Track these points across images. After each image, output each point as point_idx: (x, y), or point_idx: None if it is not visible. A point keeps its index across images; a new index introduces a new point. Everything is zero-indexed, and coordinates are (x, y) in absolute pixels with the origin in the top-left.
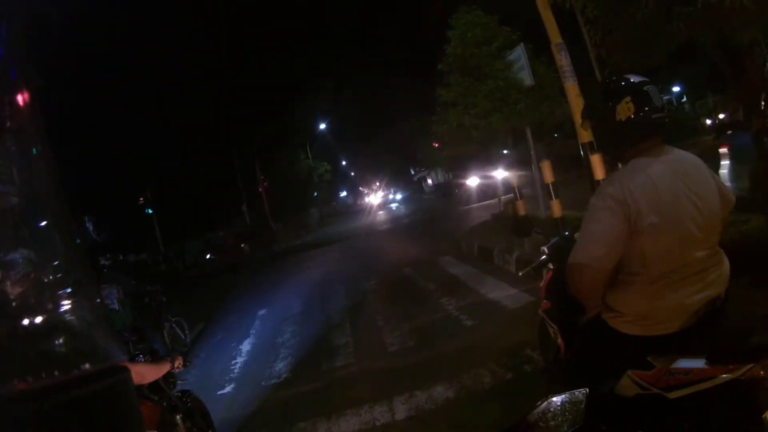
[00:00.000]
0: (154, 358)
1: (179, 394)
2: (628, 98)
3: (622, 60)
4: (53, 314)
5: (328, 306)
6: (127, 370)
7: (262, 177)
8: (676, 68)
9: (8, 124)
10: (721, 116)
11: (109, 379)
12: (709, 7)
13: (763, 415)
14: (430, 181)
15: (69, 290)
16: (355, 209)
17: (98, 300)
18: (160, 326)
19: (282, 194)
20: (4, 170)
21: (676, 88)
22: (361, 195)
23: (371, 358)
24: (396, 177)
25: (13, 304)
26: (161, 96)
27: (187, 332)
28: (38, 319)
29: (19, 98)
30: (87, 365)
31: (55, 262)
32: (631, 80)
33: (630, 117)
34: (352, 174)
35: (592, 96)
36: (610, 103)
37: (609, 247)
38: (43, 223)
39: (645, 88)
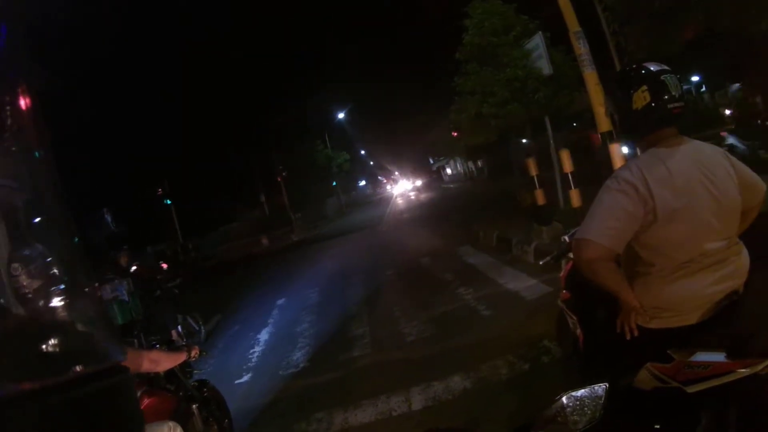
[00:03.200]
0: (171, 348)
1: (196, 383)
2: (644, 87)
3: (638, 48)
4: (54, 314)
5: (345, 296)
6: (127, 370)
7: (281, 167)
8: (695, 57)
9: (9, 123)
10: None
11: (109, 379)
12: None
13: None
14: (449, 170)
15: (70, 290)
16: (374, 199)
17: (98, 299)
18: (173, 318)
19: (300, 184)
20: (11, 168)
21: (695, 78)
22: (380, 184)
23: (388, 349)
24: (415, 166)
25: (25, 296)
26: (180, 87)
27: (200, 323)
28: (39, 319)
29: (21, 97)
30: (87, 365)
31: (54, 261)
32: (650, 69)
33: (645, 106)
34: (371, 163)
35: (611, 83)
36: (628, 91)
37: (616, 227)
38: (44, 223)
39: (662, 78)
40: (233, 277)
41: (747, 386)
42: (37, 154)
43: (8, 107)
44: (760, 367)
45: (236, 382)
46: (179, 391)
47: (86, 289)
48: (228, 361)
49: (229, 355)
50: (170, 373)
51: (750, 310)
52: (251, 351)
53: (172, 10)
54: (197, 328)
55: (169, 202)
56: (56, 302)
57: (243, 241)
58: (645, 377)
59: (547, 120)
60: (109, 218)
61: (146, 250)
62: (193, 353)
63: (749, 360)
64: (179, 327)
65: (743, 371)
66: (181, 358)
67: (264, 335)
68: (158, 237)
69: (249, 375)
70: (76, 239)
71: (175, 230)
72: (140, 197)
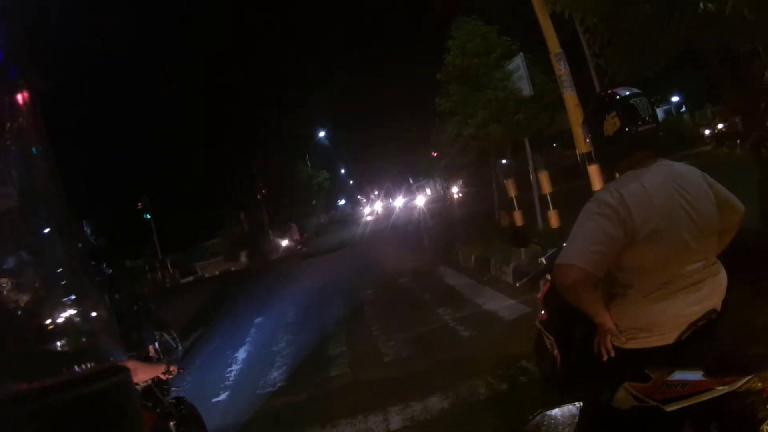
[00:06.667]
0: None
1: (173, 400)
2: (614, 113)
3: (620, 69)
4: (55, 315)
5: (324, 315)
6: (127, 370)
7: (261, 184)
8: (675, 78)
9: (8, 125)
10: (720, 126)
11: (109, 379)
12: (708, 17)
13: (760, 428)
14: (428, 191)
15: (73, 297)
16: (354, 218)
17: (98, 300)
18: (151, 333)
19: (280, 202)
20: (3, 172)
21: (675, 98)
22: (359, 203)
23: (366, 368)
24: (395, 186)
25: (19, 312)
26: (160, 101)
27: (177, 340)
28: (40, 319)
29: (19, 98)
30: (87, 365)
31: (59, 270)
32: (619, 94)
33: (617, 131)
34: (351, 182)
35: (586, 110)
36: (599, 119)
37: (598, 251)
38: (45, 228)
39: (632, 102)
40: (211, 294)
41: (725, 404)
42: (34, 150)
43: (7, 106)
44: (738, 384)
45: (213, 400)
46: (156, 408)
47: (87, 291)
48: (205, 379)
49: (207, 373)
50: (147, 390)
51: (728, 328)
52: (229, 369)
53: (150, 26)
54: (174, 345)
55: (148, 216)
56: (57, 303)
57: (222, 257)
58: (623, 396)
59: (526, 141)
60: (88, 231)
61: (125, 264)
62: (171, 369)
63: (727, 378)
64: (156, 343)
65: (721, 389)
66: (160, 369)
67: (242, 353)
68: (137, 252)
69: (226, 393)
70: (80, 245)
71: (154, 245)
72: (119, 211)
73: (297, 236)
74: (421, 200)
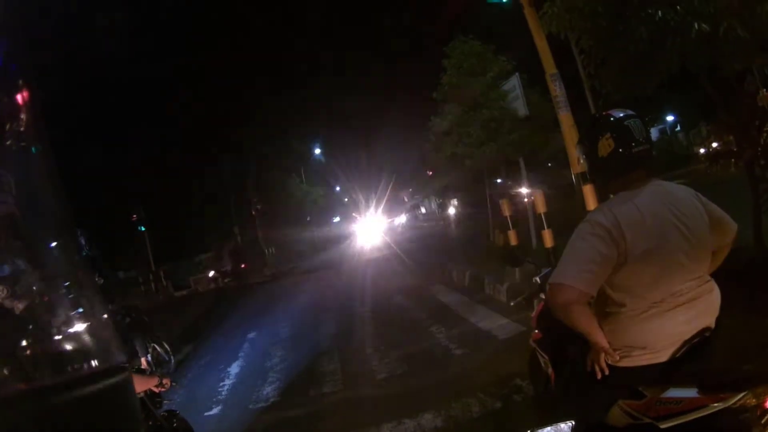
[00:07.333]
0: (142, 374)
1: (165, 414)
2: (608, 135)
3: (615, 91)
4: (54, 314)
5: (317, 331)
6: (127, 370)
7: (255, 200)
8: (670, 97)
9: (8, 126)
10: (714, 144)
11: (109, 379)
12: (702, 37)
13: None
14: (423, 209)
15: (71, 289)
16: (349, 235)
17: (98, 299)
18: (144, 345)
19: (274, 218)
20: (1, 177)
21: (670, 117)
22: (355, 221)
23: (359, 385)
24: (389, 204)
25: (17, 317)
26: (155, 113)
27: (170, 353)
28: (39, 319)
29: (19, 98)
30: (87, 365)
31: (61, 273)
32: (614, 116)
33: (611, 152)
34: (346, 200)
35: (581, 131)
36: (593, 140)
37: (591, 270)
38: (46, 232)
39: (626, 123)
40: (204, 308)
41: (720, 421)
42: (33, 150)
43: (7, 106)
44: (732, 401)
45: (206, 414)
46: (148, 420)
47: (87, 289)
48: (198, 393)
49: (199, 387)
50: (140, 403)
51: (723, 345)
52: (221, 383)
53: (147, 40)
54: (167, 358)
55: (143, 228)
56: (57, 302)
57: (215, 270)
58: (617, 414)
59: (521, 161)
60: (83, 240)
61: (118, 275)
62: (164, 382)
63: (722, 394)
64: (149, 356)
65: (716, 405)
66: (153, 381)
67: (234, 368)
68: (130, 263)
69: (219, 408)
70: (85, 252)
71: (148, 257)
72: (114, 221)
73: (228, 266)
74: (451, 210)
